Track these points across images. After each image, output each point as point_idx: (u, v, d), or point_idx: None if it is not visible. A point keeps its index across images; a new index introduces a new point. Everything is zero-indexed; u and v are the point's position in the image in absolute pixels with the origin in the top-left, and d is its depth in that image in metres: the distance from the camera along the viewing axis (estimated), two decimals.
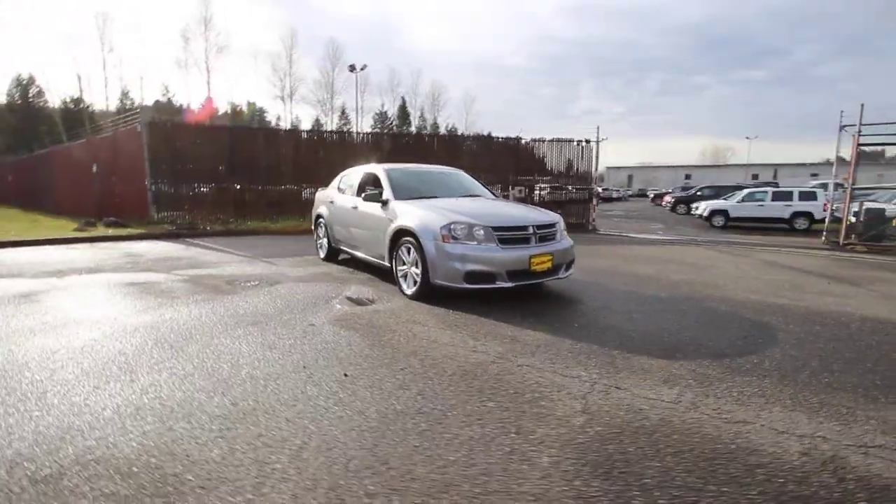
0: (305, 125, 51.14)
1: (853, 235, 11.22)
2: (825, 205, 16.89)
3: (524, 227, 4.54)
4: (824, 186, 19.68)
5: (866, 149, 11.40)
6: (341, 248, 6.59)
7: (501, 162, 14.67)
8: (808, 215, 16.62)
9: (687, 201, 23.76)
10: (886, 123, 10.11)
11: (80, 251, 7.94)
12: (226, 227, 11.67)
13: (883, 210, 11.58)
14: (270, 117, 57.22)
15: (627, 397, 2.46)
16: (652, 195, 40.12)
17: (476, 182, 6.44)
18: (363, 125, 48.05)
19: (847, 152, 11.14)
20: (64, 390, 2.50)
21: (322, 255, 7.09)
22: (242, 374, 2.74)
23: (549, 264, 4.53)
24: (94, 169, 12.97)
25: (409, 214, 4.86)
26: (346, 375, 2.73)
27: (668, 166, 68.28)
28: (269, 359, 3.00)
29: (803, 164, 61.42)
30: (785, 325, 3.84)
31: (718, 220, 17.24)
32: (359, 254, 6.07)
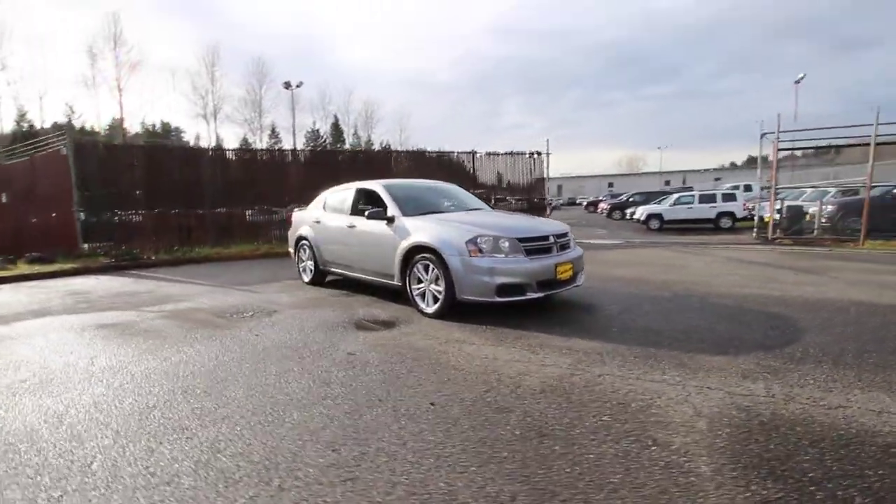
0: (232, 145, 48.46)
1: (778, 230, 12.60)
2: (744, 205, 19.02)
3: (546, 237, 4.56)
4: (736, 188, 22.10)
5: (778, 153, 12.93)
6: (331, 269, 6.23)
7: (460, 175, 14.75)
8: (730, 215, 18.44)
9: (622, 207, 25.47)
10: (801, 130, 11.56)
11: (9, 293, 6.80)
12: (172, 255, 10.61)
13: (801, 207, 13.16)
14: (188, 137, 53.67)
15: (726, 396, 2.50)
16: (584, 203, 42.51)
17: (471, 195, 6.41)
18: (297, 143, 46.35)
19: (753, 154, 12.53)
20: (111, 460, 2.07)
21: (307, 278, 6.65)
22: (317, 415, 2.44)
23: (570, 272, 4.58)
24: (3, 199, 11.29)
25: (423, 230, 4.69)
26: (432, 405, 2.53)
27: (593, 176, 72.93)
28: (333, 395, 2.71)
29: (707, 170, 68.63)
30: (794, 314, 4.16)
31: (654, 223, 18.62)
32: (355, 274, 5.77)
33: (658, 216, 18.76)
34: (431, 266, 4.51)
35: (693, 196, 19.43)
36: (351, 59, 79.91)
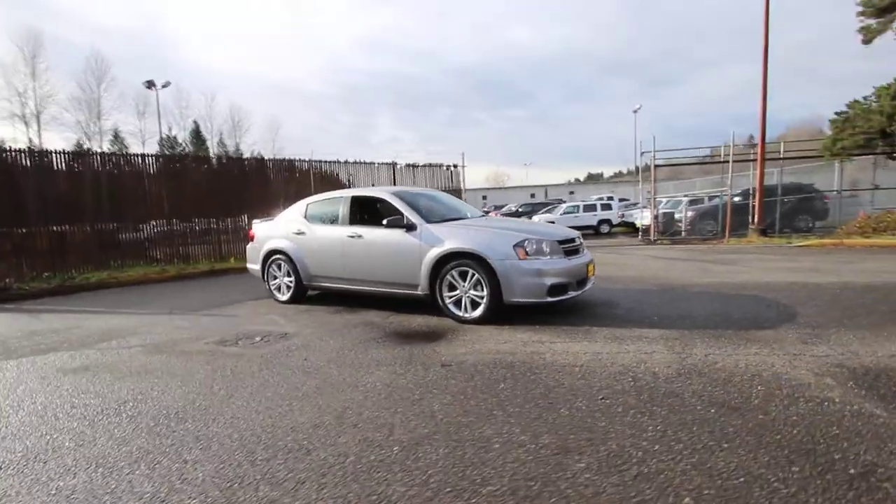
0: (60, 149, 40.03)
1: (657, 233, 15.02)
2: (619, 213, 22.20)
3: (573, 239, 4.84)
4: (612, 199, 25.70)
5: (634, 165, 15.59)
6: (320, 284, 5.69)
7: (381, 184, 14.58)
8: (608, 221, 21.33)
9: (516, 216, 27.64)
10: (672, 150, 14.03)
11: None
12: (50, 283, 8.46)
13: (672, 213, 15.91)
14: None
15: (831, 359, 3.01)
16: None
17: (465, 203, 6.47)
18: (151, 150, 40.22)
19: (593, 171, 14.94)
20: None
21: (284, 296, 5.95)
22: (469, 440, 2.30)
23: (593, 271, 4.95)
24: None
25: (456, 237, 4.62)
26: (604, 400, 2.57)
27: (469, 189, 77.24)
28: (462, 422, 2.56)
29: (563, 185, 78.15)
30: (772, 295, 5.08)
31: None
32: (355, 287, 5.38)
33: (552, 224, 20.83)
34: (471, 272, 4.47)
35: (578, 206, 22.05)
36: (209, 63, 72.40)
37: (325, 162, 13.51)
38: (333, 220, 5.63)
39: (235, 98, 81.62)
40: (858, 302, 4.56)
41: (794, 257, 8.36)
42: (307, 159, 13.22)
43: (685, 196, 20.12)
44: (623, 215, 22.31)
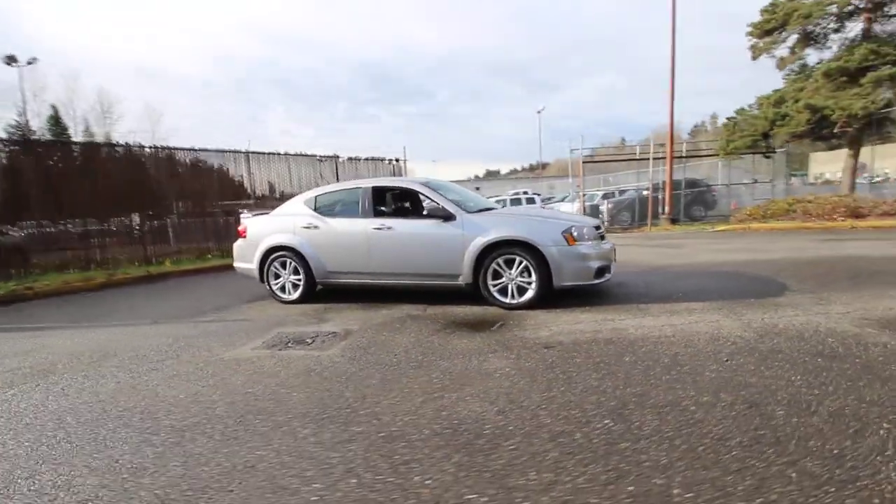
0: None
1: None
2: (542, 205, 23.71)
3: (600, 226, 5.20)
4: (526, 193, 27.30)
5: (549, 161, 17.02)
6: (338, 280, 5.39)
7: (325, 176, 13.89)
8: None
9: None
10: (598, 147, 15.37)
11: None
12: None
13: (598, 206, 17.50)
14: None
15: (853, 315, 3.68)
16: None
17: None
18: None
19: (491, 168, 16.27)
20: None
21: (291, 296, 5.51)
22: (669, 406, 2.51)
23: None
24: None
25: (501, 226, 4.71)
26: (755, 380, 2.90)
27: None
28: (639, 391, 2.76)
29: (465, 181, 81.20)
30: (747, 270, 5.96)
31: None
32: (380, 282, 5.20)
33: None
34: (518, 259, 4.60)
35: (505, 201, 23.10)
36: (65, 41, 61.66)
37: (257, 154, 12.44)
38: (352, 213, 5.34)
39: (103, 83, 70.75)
40: (816, 272, 5.58)
41: (723, 241, 9.81)
42: (230, 149, 11.91)
43: (599, 190, 22.25)
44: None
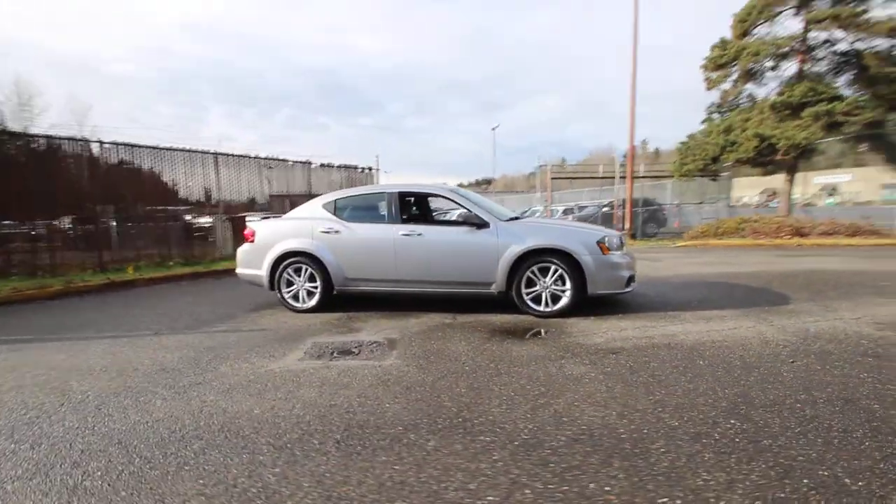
0: None
1: None
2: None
3: (621, 237, 5.39)
4: None
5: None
6: (358, 288, 5.16)
7: (295, 182, 13.38)
8: None
9: None
10: (585, 164, 16.01)
11: None
12: None
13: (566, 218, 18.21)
14: None
15: (865, 319, 4.06)
16: None
17: None
18: None
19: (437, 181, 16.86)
20: None
21: (306, 305, 5.20)
22: (777, 405, 2.64)
23: None
24: None
25: (538, 234, 4.75)
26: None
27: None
28: (743, 392, 2.87)
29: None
30: (738, 282, 6.41)
31: None
32: (404, 289, 5.05)
33: None
34: (553, 267, 4.66)
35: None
36: None
37: (227, 155, 11.72)
38: (377, 218, 5.17)
39: (25, 73, 63.74)
40: (801, 283, 6.12)
41: (692, 255, 10.50)
42: (199, 150, 11.07)
43: (559, 206, 23.14)
44: None
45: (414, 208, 5.24)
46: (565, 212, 21.04)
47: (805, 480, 1.79)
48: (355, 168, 15.01)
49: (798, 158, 14.05)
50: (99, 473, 2.02)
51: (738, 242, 12.09)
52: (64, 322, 5.23)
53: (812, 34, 13.92)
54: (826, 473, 1.83)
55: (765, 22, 14.22)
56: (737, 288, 5.95)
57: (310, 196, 13.80)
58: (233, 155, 11.71)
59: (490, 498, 1.76)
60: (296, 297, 5.28)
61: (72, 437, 2.40)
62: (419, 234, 4.95)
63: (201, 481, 1.94)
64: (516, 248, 4.70)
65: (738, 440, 2.12)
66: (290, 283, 5.29)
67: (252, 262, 5.45)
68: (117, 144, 9.52)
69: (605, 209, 19.02)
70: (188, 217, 11.49)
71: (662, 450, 2.06)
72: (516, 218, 5.38)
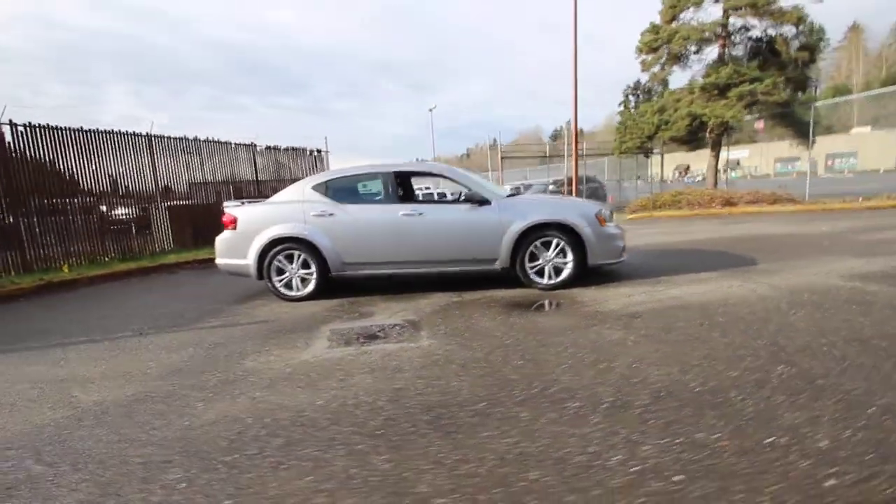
0: None
1: None
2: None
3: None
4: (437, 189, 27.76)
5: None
6: (358, 272, 4.98)
7: (242, 166, 12.49)
8: None
9: None
10: (516, 145, 16.37)
11: None
12: None
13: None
14: None
15: (832, 274, 4.59)
16: None
17: None
18: None
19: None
20: None
21: (301, 292, 4.95)
22: (818, 351, 2.94)
23: None
24: None
25: (539, 209, 4.83)
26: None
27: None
28: (788, 342, 3.14)
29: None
30: (702, 247, 6.96)
31: None
32: (411, 270, 4.94)
33: None
34: (555, 241, 4.78)
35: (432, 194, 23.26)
36: None
37: (163, 138, 10.62)
38: (374, 199, 4.99)
39: None
40: (755, 246, 6.77)
41: (645, 226, 11.20)
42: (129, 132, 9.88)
43: (507, 185, 23.60)
44: None
45: (411, 188, 5.11)
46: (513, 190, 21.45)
47: (871, 409, 2.03)
48: (304, 151, 14.25)
49: (721, 135, 15.43)
50: (184, 486, 1.82)
51: (678, 214, 13.12)
52: (17, 331, 4.55)
53: (731, 20, 15.17)
54: (885, 401, 2.09)
55: (692, 7, 15.26)
56: (704, 254, 6.48)
57: (257, 181, 12.97)
58: (170, 138, 10.63)
59: (617, 457, 1.82)
60: (288, 286, 4.99)
61: (118, 451, 2.12)
62: (420, 214, 4.85)
63: (309, 477, 1.81)
64: (520, 224, 4.76)
65: (796, 382, 2.34)
66: (280, 272, 4.98)
67: (235, 250, 5.05)
68: (32, 127, 8.24)
69: (551, 187, 19.73)
70: (123, 210, 10.28)
71: (740, 397, 2.23)
72: (514, 194, 5.44)
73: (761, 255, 5.94)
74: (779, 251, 6.19)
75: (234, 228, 5.04)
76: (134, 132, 9.85)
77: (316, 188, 5.04)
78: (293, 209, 4.95)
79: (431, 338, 3.49)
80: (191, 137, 11.16)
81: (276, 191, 13.32)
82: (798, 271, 4.88)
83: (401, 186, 5.08)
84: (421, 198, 5.12)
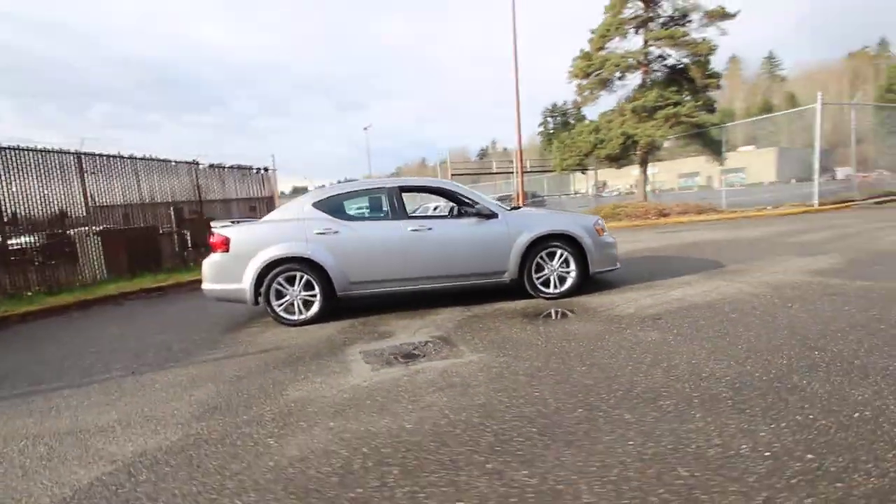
0: None
1: None
2: None
3: None
4: None
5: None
6: (363, 292, 4.79)
7: (181, 186, 11.53)
8: None
9: None
10: (462, 162, 16.70)
11: None
12: None
13: None
14: None
15: (793, 271, 5.19)
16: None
17: None
18: None
19: (297, 185, 17.30)
20: None
21: (303, 316, 4.67)
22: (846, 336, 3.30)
23: None
24: None
25: (544, 222, 5.01)
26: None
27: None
28: (815, 328, 3.48)
29: (280, 195, 76.66)
30: (672, 251, 7.54)
31: None
32: (420, 286, 4.85)
33: None
34: (559, 251, 4.96)
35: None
36: None
37: (94, 156, 9.55)
38: (379, 215, 4.86)
39: None
40: (713, 250, 7.47)
41: None
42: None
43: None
44: None
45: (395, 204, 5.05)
46: None
47: None
48: (249, 169, 13.49)
49: (647, 153, 16.97)
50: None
51: (620, 225, 14.13)
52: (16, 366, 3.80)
53: (651, 49, 16.87)
54: None
55: (617, 38, 16.78)
56: (670, 259, 7.05)
57: (200, 202, 12.04)
58: (103, 155, 9.55)
59: (745, 446, 1.92)
60: (288, 310, 4.68)
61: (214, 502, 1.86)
62: (429, 229, 4.81)
63: (461, 503, 1.72)
64: (527, 236, 4.89)
65: (839, 364, 2.64)
66: (279, 295, 4.65)
67: (227, 274, 4.65)
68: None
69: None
70: (28, 238, 8.94)
71: (804, 381, 2.46)
72: (516, 208, 5.58)
73: (720, 258, 6.58)
74: (732, 254, 6.90)
75: (226, 250, 4.64)
76: (60, 149, 8.75)
77: (317, 205, 4.81)
78: (293, 227, 4.68)
79: (474, 352, 3.45)
80: (126, 155, 10.13)
81: (222, 212, 12.55)
82: (764, 270, 5.48)
83: (405, 202, 5.00)
84: (422, 214, 5.04)
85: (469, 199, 5.01)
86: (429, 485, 1.85)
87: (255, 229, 4.76)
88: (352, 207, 4.94)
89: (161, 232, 11.08)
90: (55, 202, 8.78)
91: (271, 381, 3.18)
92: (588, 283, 5.32)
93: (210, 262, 4.72)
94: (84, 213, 9.34)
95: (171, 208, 11.47)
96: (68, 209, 9.10)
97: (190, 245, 11.70)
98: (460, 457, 2.03)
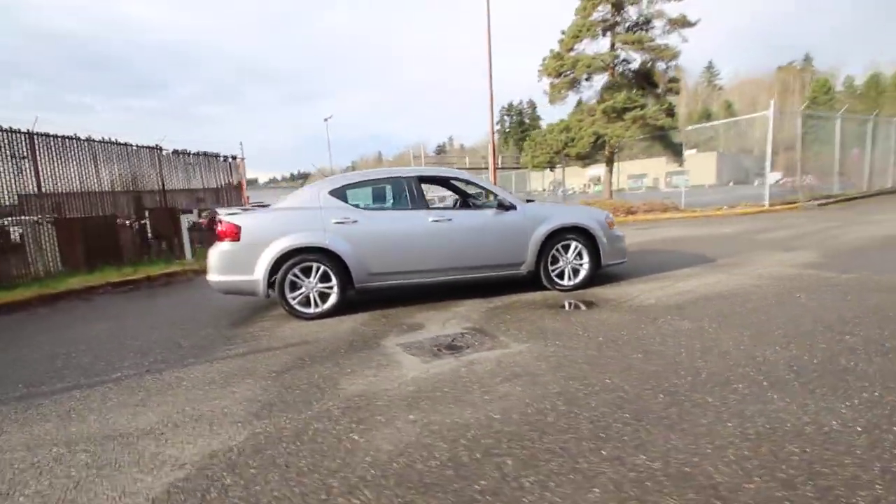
0: None
1: None
2: None
3: None
4: None
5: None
6: (382, 283, 4.66)
7: (142, 173, 10.70)
8: None
9: None
10: (438, 155, 16.62)
11: None
12: None
13: None
14: None
15: (784, 264, 5.55)
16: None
17: None
18: None
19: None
20: None
21: (320, 308, 4.48)
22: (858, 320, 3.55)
23: None
24: None
25: (559, 214, 5.07)
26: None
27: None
28: (834, 316, 3.70)
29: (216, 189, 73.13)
30: (659, 246, 7.85)
31: None
32: (440, 278, 4.76)
33: None
34: (574, 244, 5.05)
35: None
36: None
37: (44, 136, 8.65)
38: (398, 204, 4.72)
39: None
40: (697, 245, 7.87)
41: None
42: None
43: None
44: None
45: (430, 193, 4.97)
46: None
47: None
48: (216, 156, 12.74)
49: (613, 153, 17.64)
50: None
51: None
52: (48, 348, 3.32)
53: (618, 52, 17.51)
54: None
55: (587, 39, 17.27)
56: (661, 253, 7.36)
57: (163, 191, 11.23)
58: (58, 136, 8.67)
59: (835, 422, 2.03)
60: (305, 302, 4.46)
61: None
62: (449, 220, 4.74)
63: (596, 490, 1.70)
64: (544, 228, 4.93)
65: (874, 346, 2.85)
66: (294, 287, 4.43)
67: (237, 265, 4.36)
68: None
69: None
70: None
71: (851, 363, 2.64)
72: (530, 201, 5.59)
73: (708, 253, 6.94)
74: (717, 249, 7.30)
75: (236, 239, 4.35)
76: (10, 128, 7.85)
77: (333, 193, 4.61)
78: (310, 216, 4.46)
79: (519, 342, 3.44)
80: (83, 137, 9.24)
81: (187, 201, 11.77)
82: (756, 263, 5.84)
83: (424, 191, 4.90)
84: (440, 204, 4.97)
85: (489, 190, 4.99)
86: (552, 473, 1.82)
87: (269, 217, 4.50)
88: (369, 196, 4.77)
89: (120, 222, 10.26)
90: (2, 187, 7.89)
91: (317, 376, 3.02)
92: (597, 276, 5.47)
93: (218, 252, 4.41)
94: (36, 201, 8.45)
95: (131, 196, 10.65)
96: (18, 195, 8.21)
97: (151, 236, 10.92)
98: (569, 445, 2.01)
